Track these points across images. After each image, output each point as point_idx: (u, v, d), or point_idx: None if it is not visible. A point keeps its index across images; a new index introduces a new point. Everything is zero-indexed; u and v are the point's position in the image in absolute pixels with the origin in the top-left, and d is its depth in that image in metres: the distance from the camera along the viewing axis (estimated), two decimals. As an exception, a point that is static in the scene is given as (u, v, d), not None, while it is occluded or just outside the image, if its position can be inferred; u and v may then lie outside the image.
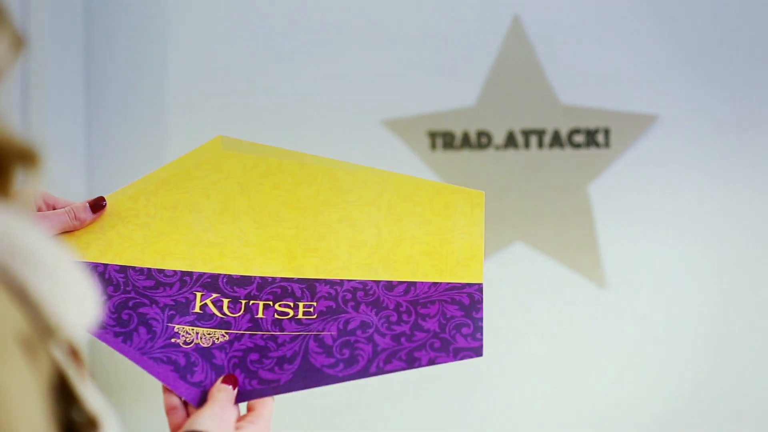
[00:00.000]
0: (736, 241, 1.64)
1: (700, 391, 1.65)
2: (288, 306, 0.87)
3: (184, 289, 0.87)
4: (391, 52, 1.68)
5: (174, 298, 0.87)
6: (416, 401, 1.68)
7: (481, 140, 1.69)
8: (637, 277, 1.66)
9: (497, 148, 1.69)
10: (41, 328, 0.50)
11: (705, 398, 1.65)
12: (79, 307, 0.51)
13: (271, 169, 0.92)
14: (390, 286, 0.88)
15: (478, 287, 0.87)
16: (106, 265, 0.88)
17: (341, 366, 0.84)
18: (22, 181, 0.52)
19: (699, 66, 1.63)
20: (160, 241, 0.88)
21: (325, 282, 0.88)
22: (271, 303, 0.87)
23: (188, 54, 1.71)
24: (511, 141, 1.69)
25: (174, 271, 0.88)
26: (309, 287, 0.88)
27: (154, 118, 1.73)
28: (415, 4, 1.67)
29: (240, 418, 0.82)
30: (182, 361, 0.84)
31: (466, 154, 1.70)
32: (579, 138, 1.68)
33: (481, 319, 0.85)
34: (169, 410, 0.82)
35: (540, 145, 1.68)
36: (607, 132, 1.67)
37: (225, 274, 0.89)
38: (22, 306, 0.49)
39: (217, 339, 0.86)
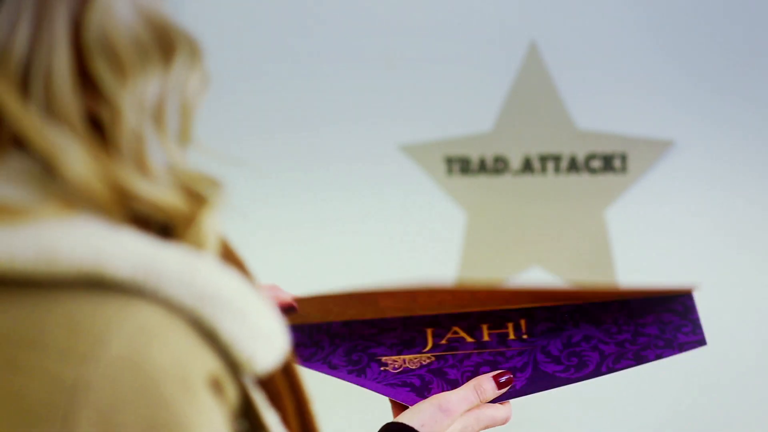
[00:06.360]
0: (760, 265, 1.64)
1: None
2: (509, 329, 0.90)
3: (408, 330, 0.90)
4: (408, 76, 1.68)
5: (399, 338, 0.89)
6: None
7: (498, 165, 1.69)
8: (654, 302, 1.66)
9: (514, 173, 1.69)
10: (230, 364, 0.53)
11: None
12: (268, 345, 0.54)
13: None
14: (605, 305, 0.89)
15: (689, 296, 0.89)
16: (329, 324, 0.90)
17: (572, 370, 0.86)
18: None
19: (714, 89, 1.63)
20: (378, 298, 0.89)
21: (542, 309, 0.90)
22: (492, 329, 0.90)
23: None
24: (527, 166, 1.69)
25: (395, 318, 0.90)
26: (527, 313, 0.90)
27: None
28: (432, 29, 1.68)
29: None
30: (417, 382, 0.86)
31: (482, 180, 1.70)
32: (596, 163, 1.68)
33: (698, 319, 0.88)
34: None
35: (557, 170, 1.68)
36: (624, 157, 1.67)
37: (444, 313, 0.90)
38: (213, 347, 0.52)
39: (424, 361, 0.88)
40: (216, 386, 0.51)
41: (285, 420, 0.59)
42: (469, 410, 0.84)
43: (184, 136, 0.54)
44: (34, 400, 0.47)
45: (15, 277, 0.49)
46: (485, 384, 0.85)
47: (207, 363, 0.51)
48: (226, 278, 0.52)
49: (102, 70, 0.51)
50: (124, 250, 0.49)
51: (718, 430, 1.66)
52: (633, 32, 1.65)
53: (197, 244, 0.53)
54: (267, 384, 0.58)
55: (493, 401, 0.85)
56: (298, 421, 0.60)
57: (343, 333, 0.90)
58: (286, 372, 0.60)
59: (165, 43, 0.53)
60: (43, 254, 0.48)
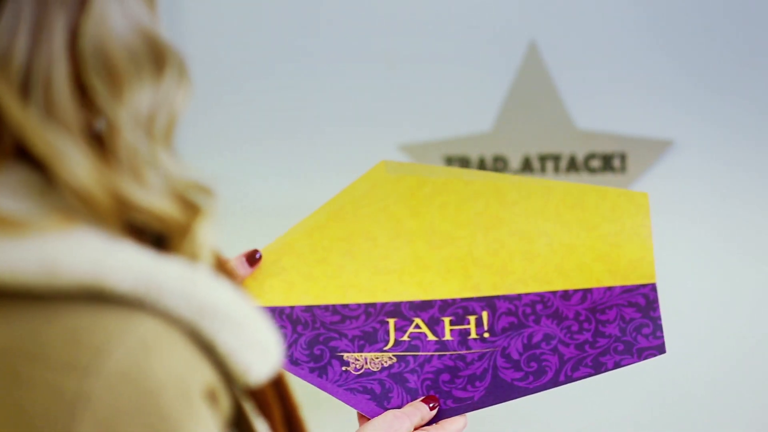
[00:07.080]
0: (758, 265, 1.64)
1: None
2: (471, 325, 0.89)
3: (370, 320, 0.90)
4: (408, 76, 1.68)
5: (361, 329, 0.89)
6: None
7: (497, 165, 1.70)
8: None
9: (513, 173, 1.70)
10: (226, 375, 0.54)
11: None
12: (262, 357, 0.54)
13: (437, 188, 0.92)
14: (567, 295, 0.89)
15: (652, 287, 0.89)
16: (292, 307, 0.90)
17: (531, 378, 0.86)
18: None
19: (713, 89, 1.64)
20: (341, 275, 0.90)
21: (504, 298, 0.89)
22: (454, 324, 0.90)
23: (202, 68, 1.72)
24: (527, 166, 1.69)
25: (357, 304, 0.90)
26: (489, 304, 0.90)
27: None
28: (432, 29, 1.68)
29: (419, 427, 0.87)
30: (378, 389, 0.86)
31: (482, 179, 1.70)
32: (595, 163, 1.68)
33: (659, 318, 0.88)
34: None
35: (556, 170, 1.69)
36: (623, 157, 1.67)
37: (407, 301, 0.90)
38: (209, 359, 0.53)
39: (385, 362, 0.88)
40: (212, 397, 0.52)
41: (273, 428, 0.59)
42: (423, 426, 0.89)
43: (167, 148, 0.55)
44: (34, 412, 0.48)
45: (16, 290, 0.49)
46: (422, 409, 0.89)
47: (204, 375, 0.51)
48: (222, 291, 0.52)
49: (97, 81, 0.51)
50: (125, 264, 0.49)
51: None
52: (633, 32, 1.65)
53: (192, 254, 0.53)
54: (256, 393, 0.59)
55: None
56: (287, 430, 0.61)
57: (305, 319, 0.90)
58: (275, 380, 0.60)
59: (157, 57, 0.53)
60: (44, 267, 0.48)
